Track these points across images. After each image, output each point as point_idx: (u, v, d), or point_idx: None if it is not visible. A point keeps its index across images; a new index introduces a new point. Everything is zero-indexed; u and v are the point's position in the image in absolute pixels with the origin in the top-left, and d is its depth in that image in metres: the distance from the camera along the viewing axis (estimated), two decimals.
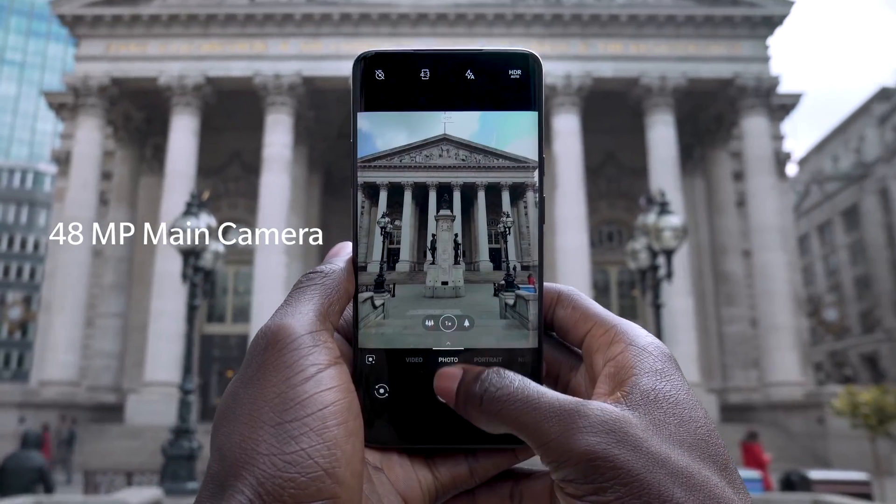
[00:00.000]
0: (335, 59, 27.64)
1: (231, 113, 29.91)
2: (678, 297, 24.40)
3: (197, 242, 14.71)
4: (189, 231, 14.47)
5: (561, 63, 27.62)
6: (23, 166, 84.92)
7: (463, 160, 0.65)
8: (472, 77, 0.64)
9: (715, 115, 30.67)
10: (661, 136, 27.49)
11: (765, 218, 27.30)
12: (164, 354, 24.90)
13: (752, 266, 28.76)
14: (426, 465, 0.63)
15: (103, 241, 28.18)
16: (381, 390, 0.62)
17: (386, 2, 28.35)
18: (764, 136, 28.37)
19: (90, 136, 27.84)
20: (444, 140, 0.65)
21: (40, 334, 31.95)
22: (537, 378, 0.60)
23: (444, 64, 0.64)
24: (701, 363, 26.92)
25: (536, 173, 0.64)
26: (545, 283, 0.64)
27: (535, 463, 0.65)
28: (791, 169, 39.64)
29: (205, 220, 14.84)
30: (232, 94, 28.87)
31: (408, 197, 0.66)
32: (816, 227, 64.22)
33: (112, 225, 29.07)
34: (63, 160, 33.81)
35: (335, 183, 33.67)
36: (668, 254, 14.87)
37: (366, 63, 0.64)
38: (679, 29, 28.51)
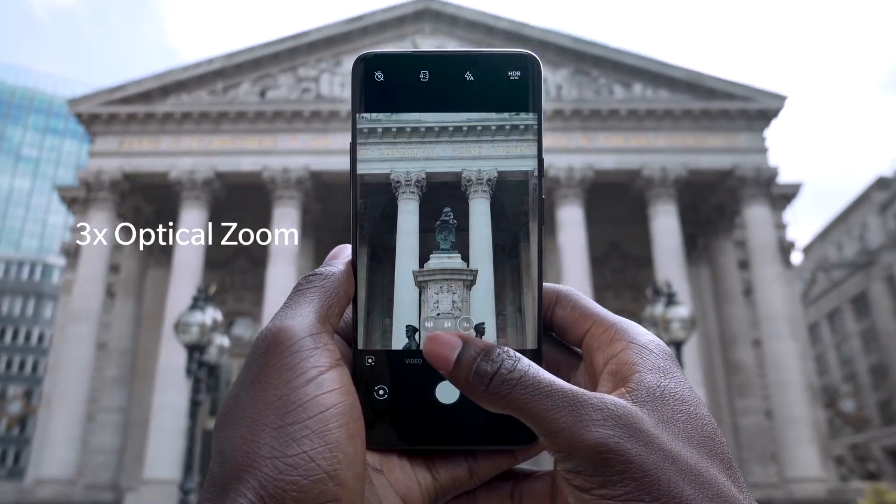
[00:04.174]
0: (343, 153, 28.25)
1: (239, 206, 30.38)
2: None
3: (202, 337, 14.62)
4: (195, 326, 14.41)
5: (563, 156, 28.19)
6: (32, 259, 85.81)
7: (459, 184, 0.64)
8: (471, 78, 0.63)
9: (717, 205, 30.99)
10: (665, 226, 27.70)
11: (773, 307, 27.11)
12: (165, 451, 24.30)
13: (763, 356, 28.34)
14: (426, 467, 0.63)
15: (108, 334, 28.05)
16: (381, 391, 0.62)
17: None
18: (766, 225, 28.56)
19: (100, 228, 28.21)
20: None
21: (39, 429, 31.31)
22: None
23: (443, 65, 0.64)
24: None
25: (536, 175, 0.63)
26: (544, 284, 0.64)
27: (534, 464, 0.66)
28: (796, 257, 39.68)
29: (210, 315, 14.80)
30: (240, 187, 29.41)
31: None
32: (826, 314, 63.73)
33: (117, 318, 29.01)
34: (72, 253, 34.12)
35: None
36: (678, 345, 14.73)
37: (365, 64, 0.64)
38: (677, 122, 29.23)
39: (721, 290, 31.08)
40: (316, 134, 29.13)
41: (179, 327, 14.87)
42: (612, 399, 0.54)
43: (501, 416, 0.60)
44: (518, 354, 0.57)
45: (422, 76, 0.63)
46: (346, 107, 29.00)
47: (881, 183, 58.23)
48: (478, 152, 0.64)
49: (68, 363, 26.53)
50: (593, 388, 0.60)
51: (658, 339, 0.62)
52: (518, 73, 0.63)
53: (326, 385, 0.55)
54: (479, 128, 0.64)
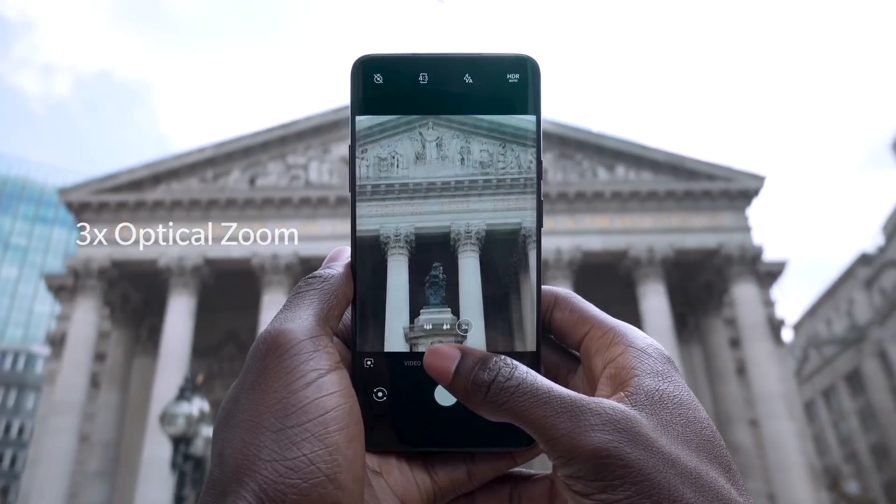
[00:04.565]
0: (332, 239, 28.47)
1: (227, 293, 30.25)
2: None
3: (188, 428, 14.26)
4: (181, 417, 14.07)
5: (551, 238, 28.49)
6: (15, 348, 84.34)
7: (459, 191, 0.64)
8: (470, 81, 0.63)
9: (705, 284, 31.17)
10: (655, 306, 27.77)
11: (767, 385, 26.89)
12: None
13: (761, 436, 27.90)
14: (424, 469, 0.63)
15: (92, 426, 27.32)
16: (380, 393, 0.62)
17: None
18: (755, 302, 28.67)
19: (86, 317, 27.89)
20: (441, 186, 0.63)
21: None
22: None
23: (441, 68, 0.63)
24: None
25: (535, 177, 0.63)
26: (542, 286, 0.63)
27: (533, 465, 0.66)
28: (787, 334, 39.69)
29: (197, 405, 14.48)
30: (229, 274, 29.38)
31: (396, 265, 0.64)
32: (821, 392, 63.19)
33: (101, 408, 28.33)
34: (57, 342, 33.64)
35: None
36: None
37: (364, 66, 0.63)
38: (662, 203, 29.75)
39: (714, 369, 30.87)
40: (305, 220, 29.38)
41: (165, 419, 14.50)
42: (610, 404, 0.54)
43: None
44: (515, 362, 0.57)
45: (421, 78, 0.63)
46: (335, 193, 29.41)
47: (864, 259, 59.01)
48: (466, 206, 0.64)
49: (49, 457, 25.69)
50: (592, 392, 0.60)
51: (656, 342, 0.62)
52: (517, 75, 0.63)
53: (326, 388, 0.55)
54: (467, 183, 0.64)
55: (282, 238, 28.80)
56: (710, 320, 31.51)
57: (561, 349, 0.66)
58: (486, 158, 0.64)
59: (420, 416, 0.62)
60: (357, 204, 0.64)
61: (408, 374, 0.62)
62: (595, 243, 29.04)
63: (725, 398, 30.07)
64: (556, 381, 0.62)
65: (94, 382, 30.13)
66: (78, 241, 29.85)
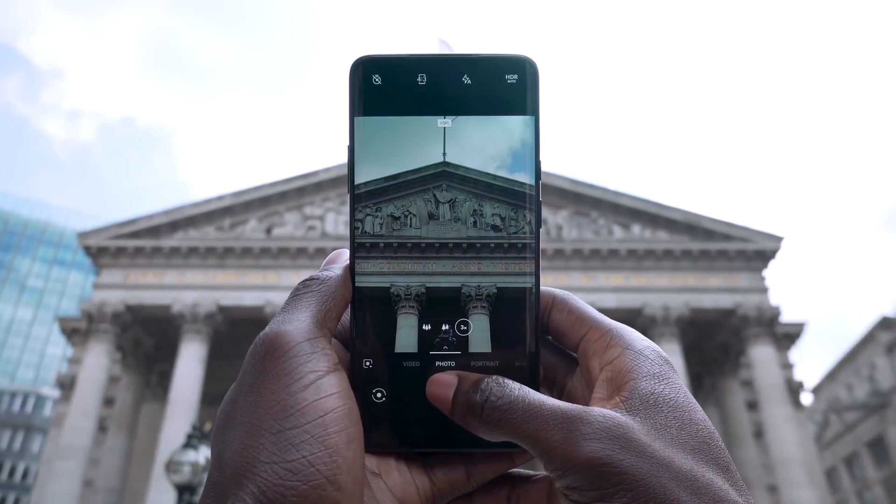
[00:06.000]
0: None
1: (239, 341, 30.20)
2: None
3: (194, 477, 14.05)
4: (186, 465, 13.89)
5: None
6: (25, 390, 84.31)
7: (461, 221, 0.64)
8: (469, 82, 0.63)
9: (721, 344, 30.77)
10: None
11: (786, 450, 26.22)
12: None
13: (780, 503, 27.09)
14: (423, 471, 0.63)
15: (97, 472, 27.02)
16: (379, 394, 0.63)
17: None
18: (772, 364, 28.21)
19: (98, 361, 27.88)
20: (444, 174, 0.63)
21: None
22: (535, 382, 0.61)
23: (440, 68, 0.64)
24: None
25: (535, 179, 0.63)
26: (540, 288, 0.65)
27: (532, 466, 0.67)
28: (806, 398, 38.94)
29: (204, 454, 14.30)
30: (242, 322, 29.39)
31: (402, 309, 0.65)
32: (843, 459, 61.49)
33: (108, 453, 28.06)
34: (67, 385, 33.57)
35: None
36: None
37: (363, 67, 0.63)
38: (677, 262, 29.62)
39: (731, 432, 30.20)
40: None
41: (171, 466, 14.34)
42: (601, 412, 0.54)
43: None
44: (507, 381, 0.58)
45: (420, 79, 0.63)
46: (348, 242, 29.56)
47: (885, 323, 58.13)
48: (477, 268, 0.64)
49: (52, 501, 25.37)
50: (589, 394, 0.60)
51: (654, 344, 0.62)
52: (515, 76, 0.63)
53: (325, 389, 0.55)
54: (478, 245, 0.64)
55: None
56: (727, 382, 30.98)
57: (559, 350, 0.66)
58: (497, 222, 0.64)
59: (419, 417, 0.62)
60: (364, 260, 0.64)
61: (406, 375, 0.62)
62: (610, 301, 28.84)
63: (743, 462, 29.31)
64: (553, 383, 0.65)
65: (102, 427, 29.95)
66: (94, 285, 30.06)
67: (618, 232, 30.67)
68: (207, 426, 17.03)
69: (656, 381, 0.57)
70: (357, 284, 0.63)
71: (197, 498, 14.51)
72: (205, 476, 14.44)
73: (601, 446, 0.52)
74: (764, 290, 29.40)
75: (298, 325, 0.58)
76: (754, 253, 29.75)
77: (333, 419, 0.54)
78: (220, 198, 31.15)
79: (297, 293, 0.62)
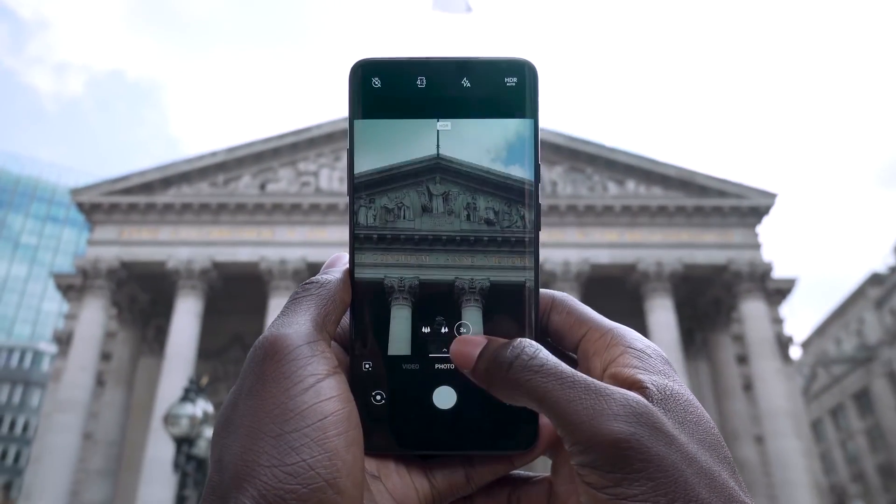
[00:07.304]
0: (340, 245, 28.54)
1: (234, 297, 30.34)
2: None
3: (192, 430, 14.28)
4: (184, 418, 14.10)
5: (559, 250, 28.46)
6: (22, 346, 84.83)
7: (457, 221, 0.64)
8: (468, 85, 0.63)
9: (713, 300, 31.05)
10: (662, 320, 27.67)
11: (774, 402, 26.71)
12: None
13: (766, 453, 27.71)
14: (423, 473, 0.63)
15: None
16: (378, 397, 0.62)
17: None
18: (763, 319, 28.52)
19: (94, 316, 28.01)
20: (438, 167, 0.63)
21: None
22: None
23: (439, 71, 0.63)
24: None
25: (534, 180, 0.63)
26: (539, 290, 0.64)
27: (531, 468, 0.66)
28: (795, 352, 39.49)
29: (201, 407, 14.51)
30: (237, 278, 29.47)
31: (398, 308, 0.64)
32: (829, 411, 62.74)
33: (106, 407, 28.42)
34: (64, 340, 33.79)
35: None
36: None
37: (363, 71, 0.63)
38: (671, 218, 29.68)
39: (720, 385, 30.70)
40: (314, 226, 29.47)
41: (169, 419, 14.55)
42: (634, 396, 0.53)
43: (499, 421, 0.61)
44: (539, 345, 0.58)
45: (419, 82, 0.63)
46: (345, 200, 29.44)
47: (875, 279, 58.62)
48: (471, 262, 0.64)
49: (52, 453, 25.77)
50: None
51: (654, 344, 0.62)
52: (515, 79, 0.63)
53: (324, 393, 0.55)
54: (472, 238, 0.64)
55: (290, 244, 28.93)
56: (718, 336, 31.35)
57: (558, 352, 0.65)
58: (491, 216, 0.64)
59: (418, 420, 0.62)
60: (359, 251, 0.64)
61: (406, 378, 0.62)
62: (603, 257, 28.98)
63: (731, 414, 29.89)
64: None
65: (100, 381, 30.25)
66: (88, 241, 30.02)
67: (612, 188, 30.65)
68: (204, 380, 17.24)
69: (664, 377, 0.57)
70: (354, 278, 0.64)
71: (195, 450, 14.76)
72: (202, 429, 14.69)
73: (631, 430, 0.51)
74: (757, 247, 29.55)
75: (298, 328, 0.58)
76: (748, 209, 29.82)
77: (333, 422, 0.54)
78: (214, 154, 30.91)
79: (297, 296, 0.62)
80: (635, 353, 0.59)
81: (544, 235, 30.06)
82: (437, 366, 0.62)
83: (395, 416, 0.62)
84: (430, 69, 0.64)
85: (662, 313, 27.85)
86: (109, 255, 28.85)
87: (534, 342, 0.58)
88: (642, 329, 28.57)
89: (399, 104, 0.63)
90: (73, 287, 33.80)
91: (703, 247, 29.32)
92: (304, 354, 0.56)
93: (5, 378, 79.99)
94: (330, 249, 28.69)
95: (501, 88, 0.63)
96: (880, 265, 69.81)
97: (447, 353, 0.62)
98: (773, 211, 29.97)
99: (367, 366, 0.62)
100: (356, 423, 0.56)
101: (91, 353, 27.58)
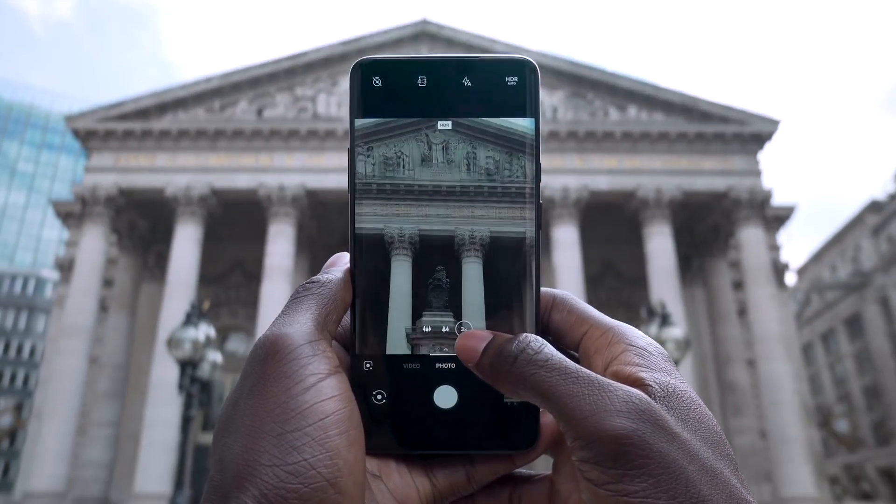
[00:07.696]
0: (338, 171, 28.41)
1: (234, 223, 30.41)
2: None
3: (195, 353, 14.60)
4: (187, 342, 14.39)
5: (558, 176, 28.34)
6: (25, 273, 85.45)
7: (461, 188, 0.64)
8: (469, 84, 0.63)
9: (711, 226, 31.14)
10: (660, 246, 27.82)
11: (767, 327, 27.17)
12: (157, 465, 24.15)
13: (757, 376, 28.38)
14: (424, 473, 0.62)
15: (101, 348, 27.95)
16: (379, 396, 0.62)
17: None
18: (760, 246, 28.68)
19: (94, 243, 28.16)
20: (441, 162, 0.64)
21: (29, 443, 31.13)
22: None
23: (440, 71, 0.64)
24: None
25: (535, 180, 0.63)
26: (540, 288, 0.64)
27: (532, 467, 0.66)
28: (790, 278, 39.88)
29: (204, 331, 14.79)
30: (236, 204, 29.46)
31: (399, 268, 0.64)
32: (820, 335, 63.85)
33: (110, 332, 28.92)
34: (66, 267, 34.07)
35: None
36: None
37: (363, 70, 0.64)
38: (672, 145, 29.43)
39: (715, 310, 31.14)
40: (312, 152, 29.25)
41: (172, 343, 14.84)
42: (637, 392, 0.53)
43: (500, 421, 0.62)
44: (544, 341, 0.58)
45: (420, 82, 0.64)
46: (343, 125, 29.16)
47: (874, 206, 58.61)
48: (471, 213, 0.64)
49: (60, 377, 26.38)
50: None
51: (655, 342, 0.63)
52: (515, 78, 0.64)
53: (325, 392, 0.55)
54: (472, 189, 0.64)
55: (289, 170, 28.77)
56: (715, 262, 31.60)
57: (560, 350, 0.65)
58: (491, 166, 0.64)
59: (420, 419, 0.62)
60: (359, 203, 0.64)
61: (407, 377, 0.62)
62: (602, 183, 28.89)
63: (725, 339, 30.45)
64: None
65: (103, 307, 30.66)
66: (85, 168, 29.85)
67: (614, 114, 30.28)
68: (205, 305, 17.50)
69: (666, 375, 0.57)
70: (356, 230, 0.64)
71: (199, 372, 15.13)
72: (206, 352, 15.03)
73: (633, 425, 0.51)
74: (757, 174, 29.44)
75: (299, 327, 0.58)
76: (750, 136, 29.55)
77: (334, 422, 0.54)
78: (209, 79, 30.39)
79: (298, 296, 0.62)
80: (637, 351, 0.59)
81: (544, 161, 29.69)
82: (438, 365, 0.62)
83: (395, 416, 0.62)
84: (430, 68, 0.64)
85: (660, 240, 27.97)
86: (107, 182, 28.75)
87: (539, 337, 0.58)
88: (640, 255, 28.81)
89: (400, 103, 0.64)
90: (72, 214, 33.82)
91: (703, 174, 29.20)
92: (306, 354, 0.57)
93: (10, 304, 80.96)
94: (328, 175, 28.60)
95: (502, 87, 0.63)
96: (880, 192, 69.68)
97: (448, 352, 0.62)
98: (775, 137, 29.73)
99: (367, 365, 0.62)
100: (357, 422, 0.57)
101: (93, 279, 27.85)
